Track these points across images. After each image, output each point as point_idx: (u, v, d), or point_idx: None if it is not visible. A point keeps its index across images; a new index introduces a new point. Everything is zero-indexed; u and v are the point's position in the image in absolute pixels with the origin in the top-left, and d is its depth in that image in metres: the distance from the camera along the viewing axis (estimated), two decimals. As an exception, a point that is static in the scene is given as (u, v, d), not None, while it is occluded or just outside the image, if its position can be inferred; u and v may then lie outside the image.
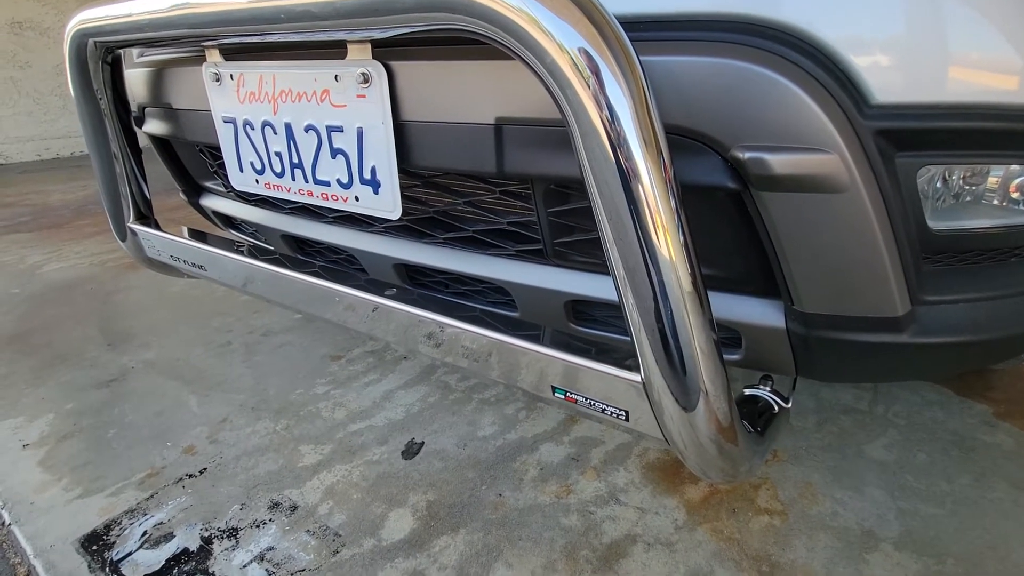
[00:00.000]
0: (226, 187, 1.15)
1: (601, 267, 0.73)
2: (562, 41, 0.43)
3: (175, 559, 0.83)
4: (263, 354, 1.42)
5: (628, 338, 0.79)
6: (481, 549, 0.84)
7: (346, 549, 0.84)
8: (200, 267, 1.04)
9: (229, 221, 1.32)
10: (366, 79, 0.65)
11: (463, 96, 0.61)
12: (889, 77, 0.51)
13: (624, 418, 0.59)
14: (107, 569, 0.81)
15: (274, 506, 0.92)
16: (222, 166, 1.07)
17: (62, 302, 1.78)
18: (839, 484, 0.95)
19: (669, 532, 0.86)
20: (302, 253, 1.16)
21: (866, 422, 1.11)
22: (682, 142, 0.54)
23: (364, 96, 0.67)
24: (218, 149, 1.03)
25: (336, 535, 0.86)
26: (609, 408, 0.60)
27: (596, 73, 0.44)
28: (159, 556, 0.83)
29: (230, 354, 1.43)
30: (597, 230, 0.68)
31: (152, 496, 0.95)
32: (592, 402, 0.61)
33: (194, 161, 1.20)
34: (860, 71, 0.50)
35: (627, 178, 0.45)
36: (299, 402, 1.21)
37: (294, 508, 0.92)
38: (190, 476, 1.00)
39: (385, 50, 0.64)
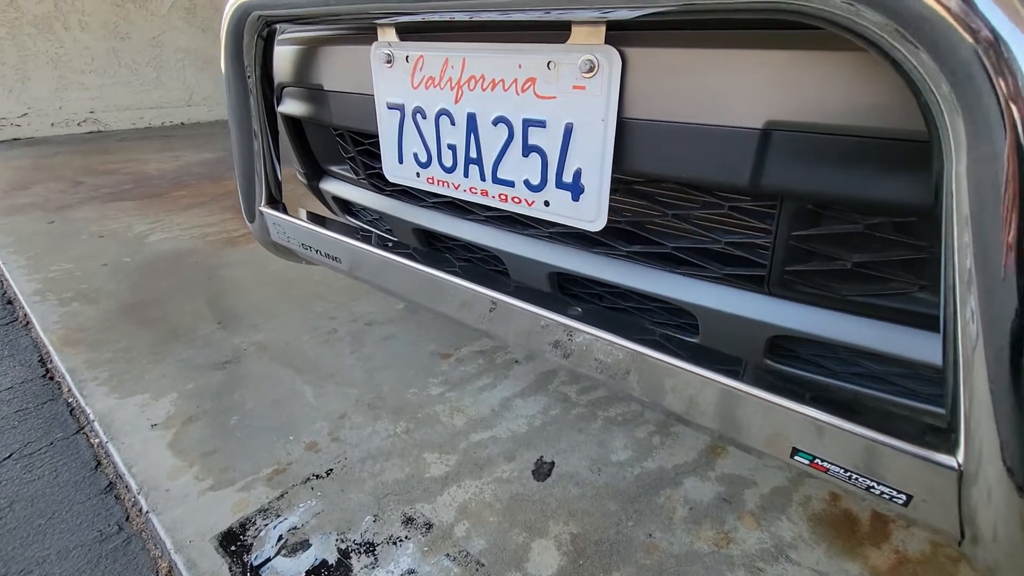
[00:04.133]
0: (356, 174, 1.09)
1: (830, 301, 0.62)
2: (981, 28, 0.32)
3: (315, 572, 0.78)
4: (370, 345, 1.38)
5: (834, 381, 0.67)
6: (642, 600, 0.75)
7: (492, 582, 0.77)
8: (334, 258, 1.00)
9: (346, 207, 1.28)
10: (591, 68, 0.55)
11: (723, 93, 0.50)
12: None
13: (902, 502, 0.48)
14: (248, 574, 0.78)
15: (408, 521, 0.87)
16: (364, 153, 1.02)
17: (170, 274, 1.81)
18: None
19: (859, 606, 0.75)
20: (429, 247, 1.09)
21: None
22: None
23: (583, 88, 0.57)
24: (366, 136, 0.97)
25: (479, 564, 0.80)
26: (884, 489, 0.49)
27: (1014, 73, 0.32)
28: (298, 567, 0.79)
29: (337, 343, 1.39)
30: (859, 255, 0.56)
31: (282, 496, 0.91)
32: (856, 477, 0.50)
33: (325, 145, 1.15)
34: None
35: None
36: (415, 403, 1.16)
37: (429, 526, 0.86)
38: (317, 476, 0.96)
39: (617, 34, 0.54)
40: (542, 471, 0.98)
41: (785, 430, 0.53)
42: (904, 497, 0.48)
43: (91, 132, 4.95)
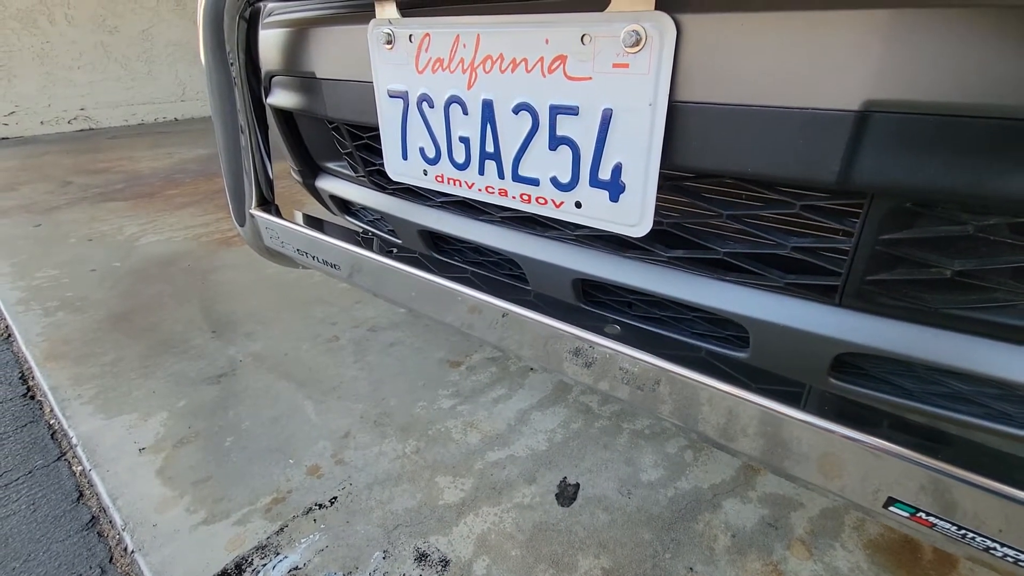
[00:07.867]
0: (355, 171, 1.00)
1: (915, 314, 0.52)
2: None
3: (319, 621, 0.70)
4: (374, 354, 1.29)
5: (913, 402, 0.58)
6: (688, 650, 0.67)
7: (519, 630, 0.69)
8: (333, 265, 0.90)
9: (345, 206, 1.18)
10: (637, 41, 0.46)
11: (808, 67, 0.41)
12: None
13: (1034, 568, 0.39)
14: (244, 625, 0.70)
15: (421, 558, 0.78)
16: (363, 148, 0.92)
17: (162, 279, 1.72)
18: None
19: (934, 651, 0.66)
20: (437, 251, 1.00)
21: None
22: None
23: (626, 65, 0.47)
24: (365, 129, 0.87)
25: (502, 608, 0.72)
26: (1009, 552, 0.40)
27: None
28: (301, 615, 0.71)
29: (339, 351, 1.30)
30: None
31: (282, 530, 0.83)
32: (973, 536, 0.41)
33: (320, 139, 1.05)
34: None
35: None
36: (425, 418, 1.07)
37: (445, 563, 0.78)
38: (320, 506, 0.87)
39: (670, -3, 0.44)
40: (566, 495, 0.90)
41: (878, 474, 0.44)
42: (1039, 563, 0.39)
43: (82, 130, 4.84)
